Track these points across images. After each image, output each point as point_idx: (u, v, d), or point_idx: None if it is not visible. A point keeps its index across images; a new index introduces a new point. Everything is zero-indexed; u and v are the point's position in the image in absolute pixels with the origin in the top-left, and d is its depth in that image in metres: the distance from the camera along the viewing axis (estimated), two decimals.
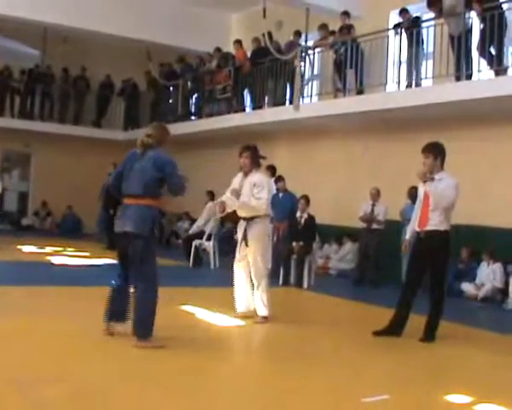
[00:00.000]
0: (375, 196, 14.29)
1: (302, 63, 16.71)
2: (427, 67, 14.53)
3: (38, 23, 20.78)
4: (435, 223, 8.43)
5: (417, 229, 8.64)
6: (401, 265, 13.00)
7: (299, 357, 7.25)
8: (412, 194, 11.84)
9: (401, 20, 14.88)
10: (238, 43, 19.64)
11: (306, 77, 17.11)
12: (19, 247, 17.95)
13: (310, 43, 17.72)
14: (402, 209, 13.54)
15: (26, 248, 17.81)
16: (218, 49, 20.64)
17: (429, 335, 8.43)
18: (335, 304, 12.07)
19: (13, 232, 23.18)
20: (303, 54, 16.90)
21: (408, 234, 9.02)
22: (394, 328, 8.56)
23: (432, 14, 14.24)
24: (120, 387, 5.66)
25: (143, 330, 7.01)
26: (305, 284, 13.44)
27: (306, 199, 14.04)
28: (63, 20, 20.25)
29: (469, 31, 13.27)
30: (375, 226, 14.18)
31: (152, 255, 7.17)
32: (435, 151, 8.53)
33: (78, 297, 10.46)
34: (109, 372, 6.11)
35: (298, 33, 17.53)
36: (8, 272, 13.35)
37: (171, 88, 22.78)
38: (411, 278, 8.81)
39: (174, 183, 7.19)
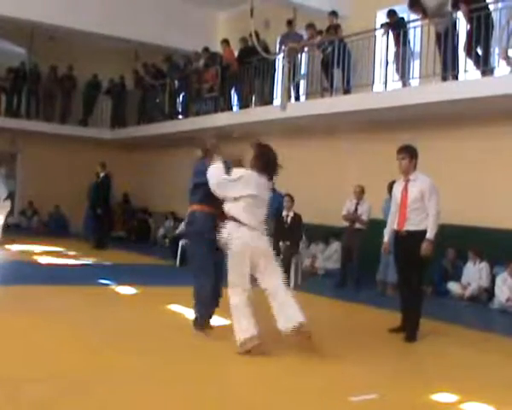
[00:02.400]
0: (360, 194, 13.95)
1: (288, 63, 16.70)
2: (413, 67, 14.56)
3: (25, 21, 20.71)
4: (415, 222, 8.52)
5: (396, 228, 8.74)
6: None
7: (285, 357, 7.25)
8: (391, 188, 11.78)
9: (388, 21, 14.91)
10: (225, 42, 19.63)
11: (297, 75, 17.09)
12: (6, 246, 17.90)
13: None
14: (382, 207, 13.50)
15: (13, 248, 17.76)
16: (206, 49, 20.62)
17: (411, 334, 8.50)
18: (322, 304, 12.09)
19: None
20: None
21: (386, 236, 9.09)
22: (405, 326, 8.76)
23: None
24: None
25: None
26: (292, 284, 13.43)
27: (290, 197, 14.03)
28: (50, 18, 20.20)
29: (455, 27, 13.28)
30: (357, 226, 13.86)
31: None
32: (411, 152, 8.75)
33: (65, 296, 10.46)
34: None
35: (290, 23, 17.52)
36: None
37: (158, 87, 22.74)
38: (401, 278, 8.92)
39: None
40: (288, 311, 7.34)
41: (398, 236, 8.73)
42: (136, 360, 6.63)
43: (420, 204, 8.52)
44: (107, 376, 6.02)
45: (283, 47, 17.10)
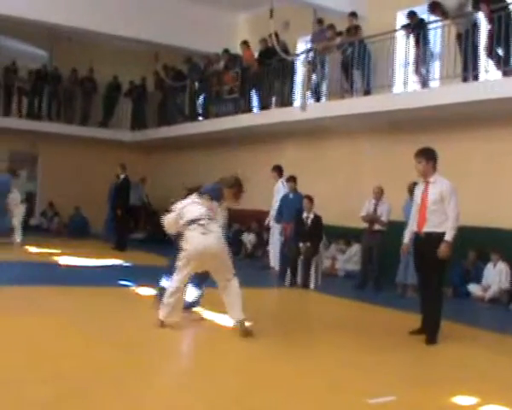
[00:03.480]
0: (379, 194, 13.88)
1: (309, 64, 16.69)
2: (434, 68, 14.51)
3: (46, 24, 20.81)
4: (434, 224, 8.51)
5: (415, 230, 8.74)
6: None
7: (305, 357, 7.25)
8: (411, 190, 11.73)
9: (409, 22, 14.86)
10: (245, 44, 19.65)
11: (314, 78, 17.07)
12: (26, 247, 17.97)
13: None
14: (403, 208, 13.44)
15: (34, 249, 17.83)
16: (226, 51, 20.64)
17: (431, 337, 8.46)
18: (342, 305, 12.06)
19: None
20: (310, 55, 16.90)
21: (406, 237, 9.07)
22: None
23: None
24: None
25: None
26: (312, 285, 13.42)
27: (310, 199, 13.98)
28: (71, 21, 20.30)
29: (475, 27, 13.21)
30: (377, 227, 13.76)
31: None
32: (427, 155, 8.73)
33: (84, 297, 10.48)
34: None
35: (320, 21, 17.45)
36: (16, 272, 13.35)
37: (178, 89, 22.77)
38: (420, 279, 8.91)
39: None
40: (234, 306, 8.06)
41: (418, 237, 8.72)
42: (152, 362, 6.63)
43: (439, 206, 8.50)
44: (118, 379, 5.98)
45: (312, 45, 17.05)
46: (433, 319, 8.56)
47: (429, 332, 8.50)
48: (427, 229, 8.56)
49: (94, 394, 5.40)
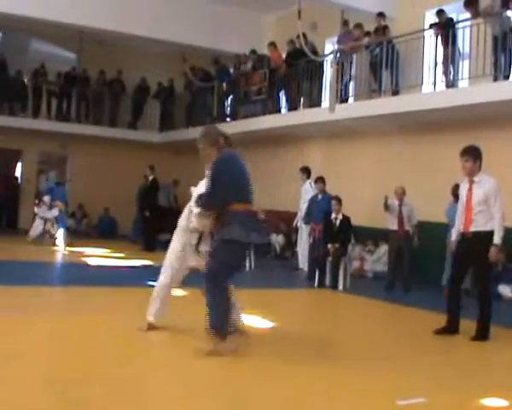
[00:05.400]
0: (401, 195, 13.84)
1: (337, 65, 16.64)
2: (463, 68, 14.42)
3: (74, 26, 20.95)
4: (480, 224, 8.49)
5: (462, 230, 8.76)
6: (443, 267, 13.01)
7: (335, 358, 7.23)
8: (455, 192, 11.67)
9: (437, 21, 14.78)
10: (272, 45, 19.64)
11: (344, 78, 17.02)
12: (55, 247, 18.09)
13: None
14: (446, 210, 13.35)
15: (64, 250, 17.96)
16: (253, 52, 20.66)
17: (481, 334, 8.53)
18: (371, 306, 12.03)
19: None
20: (338, 55, 16.85)
21: (454, 235, 9.06)
22: (451, 326, 8.77)
23: (467, 14, 14.14)
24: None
25: None
26: (341, 286, 13.39)
27: (338, 200, 13.94)
28: (99, 23, 20.40)
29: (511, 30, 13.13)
30: (406, 228, 13.76)
31: None
32: (474, 154, 8.67)
33: (113, 297, 10.57)
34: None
35: (345, 23, 17.41)
36: (45, 273, 13.46)
37: (206, 90, 22.79)
38: (457, 277, 8.92)
39: None
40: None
41: (464, 237, 8.70)
42: (194, 363, 6.65)
43: (484, 206, 8.47)
44: (159, 380, 6.00)
45: (339, 47, 17.01)
46: (483, 318, 8.59)
47: (480, 329, 8.55)
48: (473, 228, 8.54)
49: (141, 396, 5.45)
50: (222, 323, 6.80)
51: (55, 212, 19.19)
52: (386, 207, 13.66)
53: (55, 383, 5.60)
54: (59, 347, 7.11)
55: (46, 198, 19.57)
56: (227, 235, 6.76)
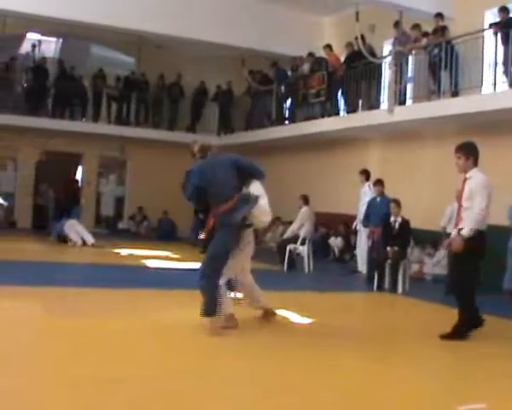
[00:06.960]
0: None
1: (395, 66, 16.54)
2: None
3: (133, 31, 21.22)
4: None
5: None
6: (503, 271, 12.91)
7: (396, 363, 7.20)
8: None
9: (498, 19, 14.59)
10: (328, 47, 19.63)
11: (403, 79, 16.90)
12: (116, 250, 18.32)
13: None
14: (508, 211, 13.18)
15: (123, 252, 18.18)
16: (311, 54, 20.65)
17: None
18: (431, 310, 11.93)
19: (109, 236, 23.71)
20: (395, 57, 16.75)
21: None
22: (475, 321, 8.69)
23: None
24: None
25: None
26: (400, 289, 13.30)
27: (397, 202, 13.84)
28: (158, 27, 20.64)
29: None
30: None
31: None
32: (467, 151, 8.72)
33: (171, 299, 10.72)
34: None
35: (397, 24, 17.23)
36: (106, 275, 13.64)
37: (265, 93, 22.83)
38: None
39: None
40: None
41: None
42: (245, 364, 6.70)
43: (470, 203, 8.39)
44: (203, 381, 6.04)
45: (395, 48, 16.89)
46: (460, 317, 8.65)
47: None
48: (461, 226, 8.45)
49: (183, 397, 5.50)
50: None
51: None
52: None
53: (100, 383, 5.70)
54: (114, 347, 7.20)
55: None
56: None
